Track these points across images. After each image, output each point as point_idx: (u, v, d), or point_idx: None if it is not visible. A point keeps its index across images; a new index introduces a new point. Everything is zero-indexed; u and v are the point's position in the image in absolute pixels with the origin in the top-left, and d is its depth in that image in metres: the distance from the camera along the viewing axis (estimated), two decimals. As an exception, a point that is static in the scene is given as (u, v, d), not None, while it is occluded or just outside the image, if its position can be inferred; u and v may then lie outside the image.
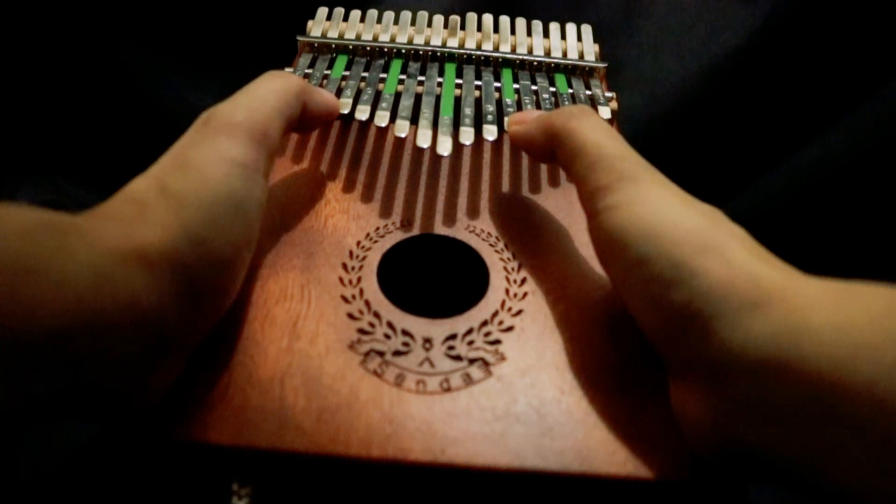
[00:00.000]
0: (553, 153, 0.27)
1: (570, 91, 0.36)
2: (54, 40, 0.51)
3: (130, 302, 0.18)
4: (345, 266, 0.27)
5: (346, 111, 0.32)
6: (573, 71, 0.38)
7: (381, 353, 0.24)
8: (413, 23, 0.40)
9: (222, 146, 0.23)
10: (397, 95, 0.34)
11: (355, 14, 0.40)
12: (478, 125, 0.32)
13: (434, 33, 0.39)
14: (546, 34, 0.41)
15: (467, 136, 0.31)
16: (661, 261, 0.20)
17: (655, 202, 0.22)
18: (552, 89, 0.36)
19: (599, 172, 0.24)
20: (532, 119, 0.29)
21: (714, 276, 0.19)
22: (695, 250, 0.20)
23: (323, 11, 0.41)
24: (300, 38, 0.38)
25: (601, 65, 0.38)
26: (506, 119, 0.33)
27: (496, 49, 0.39)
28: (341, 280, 0.26)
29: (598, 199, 0.23)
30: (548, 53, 0.39)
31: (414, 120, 0.33)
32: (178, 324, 0.20)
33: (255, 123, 0.24)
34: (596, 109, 0.35)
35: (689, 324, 0.20)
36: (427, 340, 0.24)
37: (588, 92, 0.37)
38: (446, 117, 0.32)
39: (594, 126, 0.25)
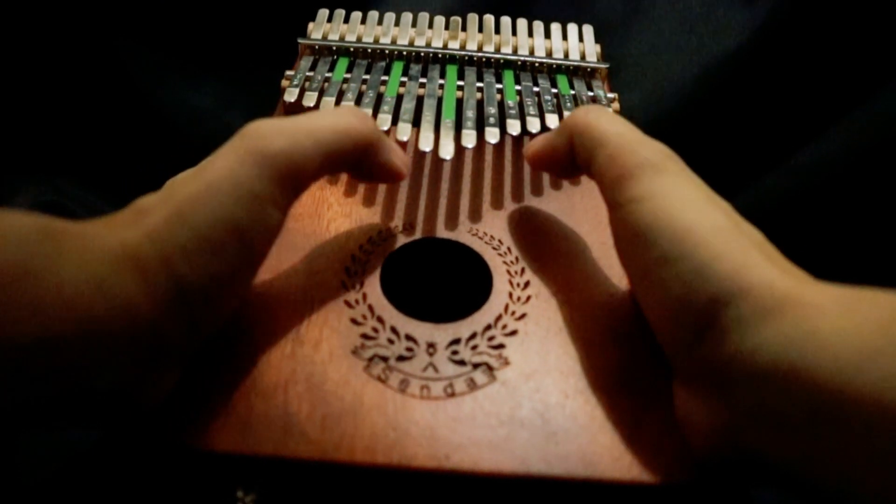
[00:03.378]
0: (573, 159, 0.27)
1: (573, 92, 0.36)
2: (54, 40, 0.51)
3: (124, 307, 0.18)
4: (347, 270, 0.27)
5: None
6: (575, 72, 0.38)
7: (384, 359, 0.24)
8: (414, 24, 0.40)
9: (243, 172, 0.21)
10: (399, 98, 0.34)
11: (356, 16, 0.40)
12: (480, 127, 0.32)
13: (435, 35, 0.39)
14: (547, 35, 0.41)
15: (469, 138, 0.31)
16: (684, 263, 0.20)
17: (679, 197, 0.22)
18: (554, 90, 0.36)
19: (622, 159, 0.23)
20: (546, 134, 0.29)
21: (734, 282, 0.19)
22: (717, 254, 0.20)
23: (323, 13, 0.41)
24: (301, 41, 0.38)
25: (603, 65, 0.38)
26: (507, 122, 0.33)
27: (498, 50, 0.39)
28: (344, 285, 0.26)
29: (622, 189, 0.23)
30: (549, 54, 0.39)
31: (416, 123, 0.33)
32: (173, 332, 0.20)
33: (290, 159, 0.22)
34: None
35: (703, 329, 0.20)
36: (431, 345, 0.24)
37: (590, 93, 0.37)
38: (448, 120, 0.32)
39: (613, 118, 0.26)
